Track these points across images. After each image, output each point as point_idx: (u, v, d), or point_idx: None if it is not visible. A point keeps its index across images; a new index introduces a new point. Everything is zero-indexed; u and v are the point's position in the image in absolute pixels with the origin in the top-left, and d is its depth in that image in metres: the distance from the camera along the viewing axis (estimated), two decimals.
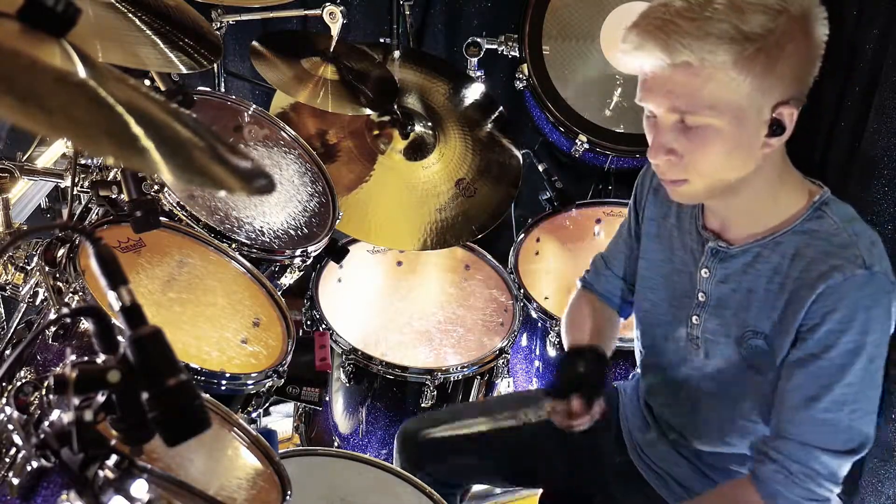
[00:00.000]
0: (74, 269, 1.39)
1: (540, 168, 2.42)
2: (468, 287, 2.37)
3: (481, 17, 2.67)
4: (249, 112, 2.04)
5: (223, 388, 1.48)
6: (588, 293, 1.66)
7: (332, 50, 2.11)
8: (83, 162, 1.61)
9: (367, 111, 2.12)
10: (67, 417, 0.78)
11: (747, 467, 1.43)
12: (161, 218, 1.49)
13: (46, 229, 1.87)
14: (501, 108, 2.46)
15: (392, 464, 1.67)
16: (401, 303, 2.37)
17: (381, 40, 2.45)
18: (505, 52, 2.41)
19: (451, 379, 2.02)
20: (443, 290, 2.38)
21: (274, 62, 2.05)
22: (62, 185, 1.74)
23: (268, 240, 1.82)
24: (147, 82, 1.58)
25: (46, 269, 1.40)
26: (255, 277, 1.74)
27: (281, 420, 2.53)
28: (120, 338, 0.77)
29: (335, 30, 2.09)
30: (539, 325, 2.17)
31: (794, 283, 1.24)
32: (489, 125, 2.43)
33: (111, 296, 0.76)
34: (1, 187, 1.50)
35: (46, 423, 0.83)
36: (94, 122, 0.67)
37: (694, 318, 1.39)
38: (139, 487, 0.81)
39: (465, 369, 2.03)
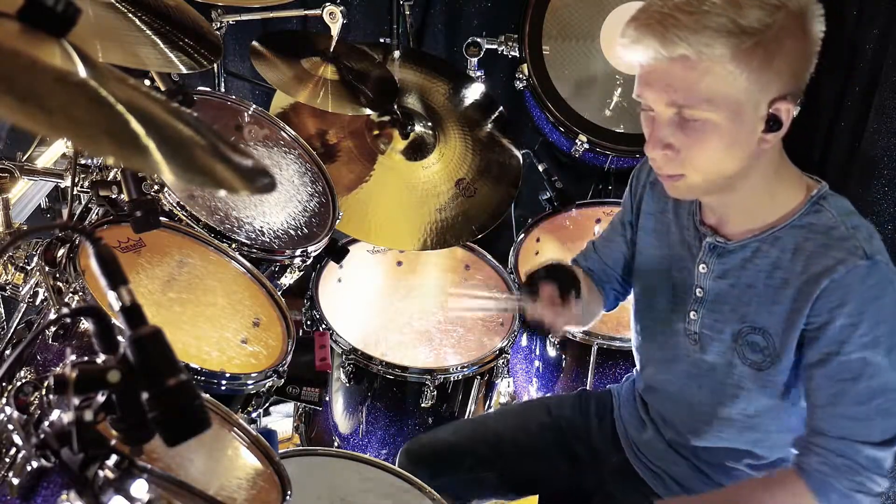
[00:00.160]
0: (74, 269, 1.38)
1: (540, 168, 2.43)
2: (468, 287, 2.37)
3: (481, 17, 2.67)
4: (249, 112, 2.04)
5: (223, 388, 1.48)
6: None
7: (332, 50, 2.11)
8: (83, 162, 1.61)
9: (367, 111, 2.12)
10: (67, 417, 0.78)
11: (744, 463, 1.44)
12: (161, 218, 1.49)
13: (46, 229, 1.87)
14: (501, 108, 2.46)
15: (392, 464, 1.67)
16: (401, 303, 2.37)
17: (381, 40, 2.45)
18: (505, 52, 2.41)
19: (451, 379, 2.02)
20: (443, 290, 2.38)
21: (274, 62, 2.05)
22: (62, 185, 1.74)
23: (268, 240, 1.81)
24: (147, 82, 1.58)
25: (46, 269, 1.40)
26: (255, 277, 1.74)
27: (281, 420, 2.53)
28: (120, 338, 0.77)
29: (335, 30, 2.09)
30: None
31: (798, 278, 1.24)
32: (489, 125, 2.43)
33: (111, 296, 0.76)
34: (1, 187, 1.50)
35: (46, 423, 0.83)
36: (94, 122, 0.67)
37: (691, 313, 1.40)
38: (139, 487, 0.81)
39: (465, 369, 2.03)
